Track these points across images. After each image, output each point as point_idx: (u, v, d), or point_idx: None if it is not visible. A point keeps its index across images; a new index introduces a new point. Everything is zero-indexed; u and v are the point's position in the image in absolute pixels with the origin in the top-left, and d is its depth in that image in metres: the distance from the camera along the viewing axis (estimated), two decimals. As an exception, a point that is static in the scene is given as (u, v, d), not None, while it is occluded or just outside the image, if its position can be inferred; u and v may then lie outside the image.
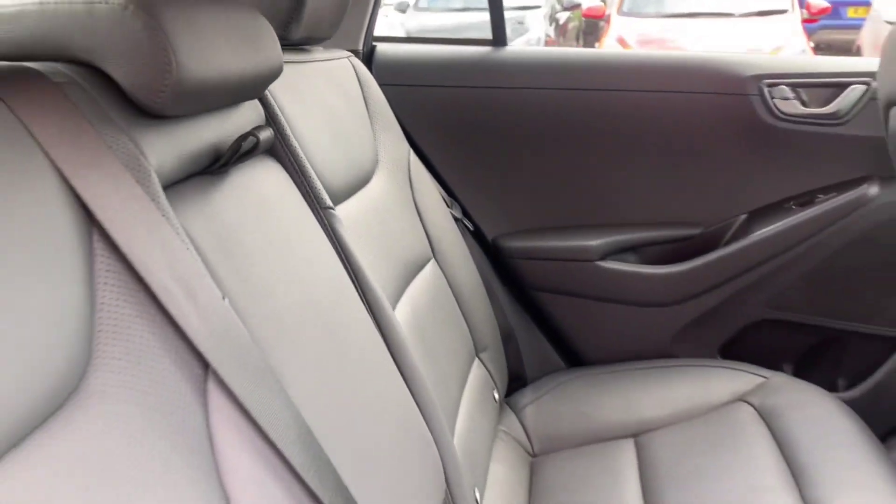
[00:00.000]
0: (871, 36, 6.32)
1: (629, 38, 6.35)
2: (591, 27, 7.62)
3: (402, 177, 1.32)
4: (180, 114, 0.64)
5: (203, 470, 0.54)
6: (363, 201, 1.13)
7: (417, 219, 1.30)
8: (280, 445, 0.58)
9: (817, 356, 1.56)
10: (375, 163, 1.25)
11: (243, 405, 0.57)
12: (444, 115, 1.56)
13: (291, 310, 0.70)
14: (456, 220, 1.46)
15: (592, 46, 7.15)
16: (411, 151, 1.38)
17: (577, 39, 7.93)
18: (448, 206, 1.45)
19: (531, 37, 7.03)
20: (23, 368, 0.44)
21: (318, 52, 1.21)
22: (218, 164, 0.70)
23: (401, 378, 0.89)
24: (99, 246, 0.53)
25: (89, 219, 0.53)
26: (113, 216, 0.53)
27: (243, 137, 0.70)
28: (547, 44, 7.34)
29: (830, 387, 1.46)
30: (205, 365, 0.57)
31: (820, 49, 7.12)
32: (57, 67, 0.58)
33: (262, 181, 0.78)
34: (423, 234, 1.30)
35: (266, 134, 0.75)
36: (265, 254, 0.70)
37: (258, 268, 0.68)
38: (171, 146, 0.64)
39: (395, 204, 1.24)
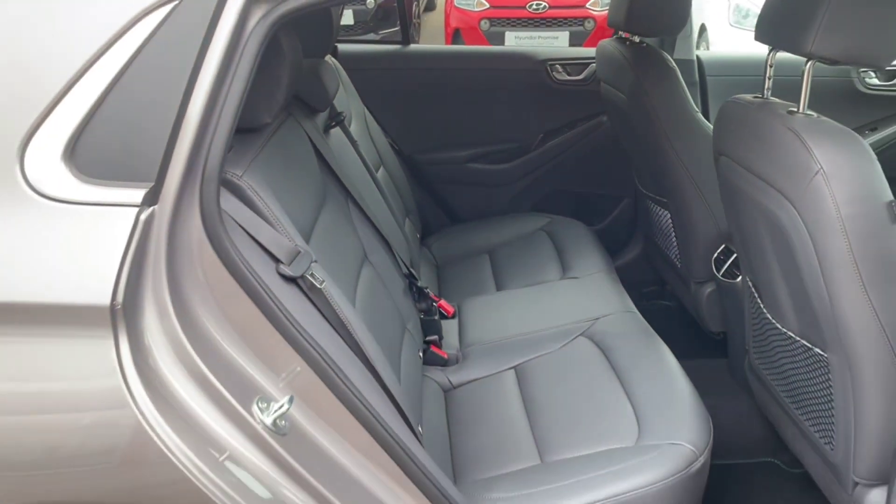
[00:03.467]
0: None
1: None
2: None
3: (362, 123, 2.48)
4: (324, 110, 1.81)
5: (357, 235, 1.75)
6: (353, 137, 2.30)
7: (373, 144, 2.48)
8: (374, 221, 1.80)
9: (582, 206, 2.89)
10: (351, 115, 2.40)
11: (364, 211, 1.77)
12: (379, 85, 2.73)
13: (362, 186, 1.90)
14: (390, 145, 2.66)
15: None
16: (365, 108, 2.55)
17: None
18: (385, 137, 2.64)
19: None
20: (313, 193, 1.61)
21: (321, 60, 2.34)
22: (329, 127, 1.87)
23: (396, 224, 2.10)
24: (319, 161, 1.70)
25: (317, 151, 1.69)
26: (322, 149, 1.70)
27: (339, 115, 1.89)
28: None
29: (588, 223, 2.76)
30: (347, 194, 1.76)
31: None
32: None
33: (339, 132, 1.96)
34: (376, 152, 2.48)
35: (345, 114, 1.93)
36: (351, 162, 1.89)
37: (351, 167, 1.87)
38: (320, 120, 1.81)
39: (362, 138, 2.41)
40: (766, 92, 1.57)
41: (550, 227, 2.60)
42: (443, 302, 2.12)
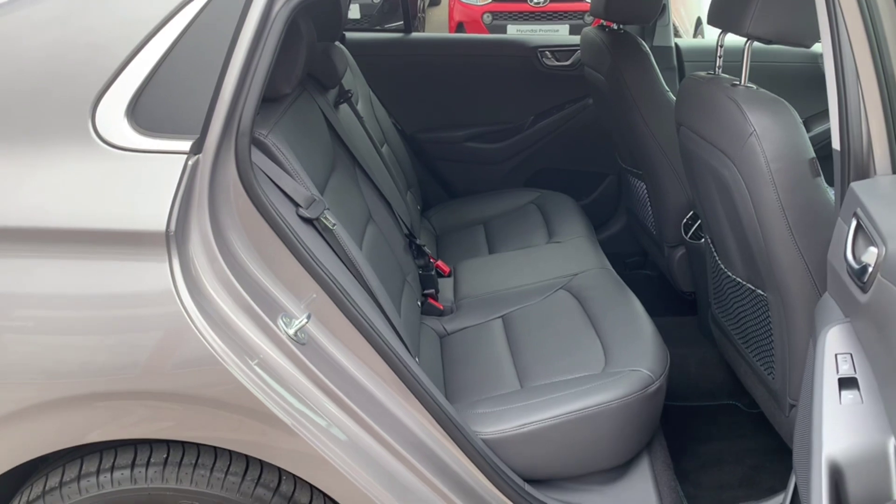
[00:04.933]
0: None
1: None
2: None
3: (368, 104, 2.73)
4: (334, 87, 2.05)
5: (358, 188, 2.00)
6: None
7: (377, 123, 2.72)
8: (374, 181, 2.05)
9: (570, 182, 3.12)
10: (358, 96, 2.65)
11: (369, 176, 2.02)
12: (383, 70, 2.98)
13: (367, 156, 2.15)
14: (393, 125, 2.90)
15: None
16: (370, 90, 2.79)
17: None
18: (389, 118, 2.89)
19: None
20: (325, 157, 1.86)
21: (331, 46, 2.58)
22: (339, 103, 2.11)
23: (398, 191, 2.35)
24: (330, 130, 1.94)
25: (328, 122, 1.94)
26: (332, 121, 1.95)
27: (347, 92, 2.13)
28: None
29: (576, 198, 2.99)
30: (354, 161, 2.01)
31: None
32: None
33: (347, 108, 2.20)
34: (380, 130, 2.72)
35: (353, 93, 2.17)
36: (356, 131, 2.14)
37: (357, 139, 2.12)
38: (330, 96, 2.06)
39: (368, 117, 2.65)
40: (717, 70, 1.80)
41: (540, 201, 2.84)
42: (440, 262, 2.36)
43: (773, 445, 1.97)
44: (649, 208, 2.54)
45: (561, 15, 8.01)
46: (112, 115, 1.25)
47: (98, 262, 1.24)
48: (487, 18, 8.05)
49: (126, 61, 1.26)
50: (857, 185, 1.22)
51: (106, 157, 1.24)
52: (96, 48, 1.27)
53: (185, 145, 1.25)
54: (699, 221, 2.28)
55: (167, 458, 1.35)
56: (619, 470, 1.70)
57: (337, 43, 2.57)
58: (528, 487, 1.58)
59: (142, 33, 1.26)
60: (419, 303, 2.10)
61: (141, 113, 1.25)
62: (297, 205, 1.45)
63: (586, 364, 1.77)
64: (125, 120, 1.25)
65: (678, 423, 2.17)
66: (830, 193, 1.52)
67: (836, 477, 1.04)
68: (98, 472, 1.35)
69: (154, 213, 1.22)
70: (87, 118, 1.25)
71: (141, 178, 1.25)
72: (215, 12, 1.27)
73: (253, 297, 1.30)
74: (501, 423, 1.60)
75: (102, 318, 1.26)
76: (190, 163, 1.25)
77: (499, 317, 2.10)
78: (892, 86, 1.25)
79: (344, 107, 2.23)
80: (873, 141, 1.25)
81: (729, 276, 1.88)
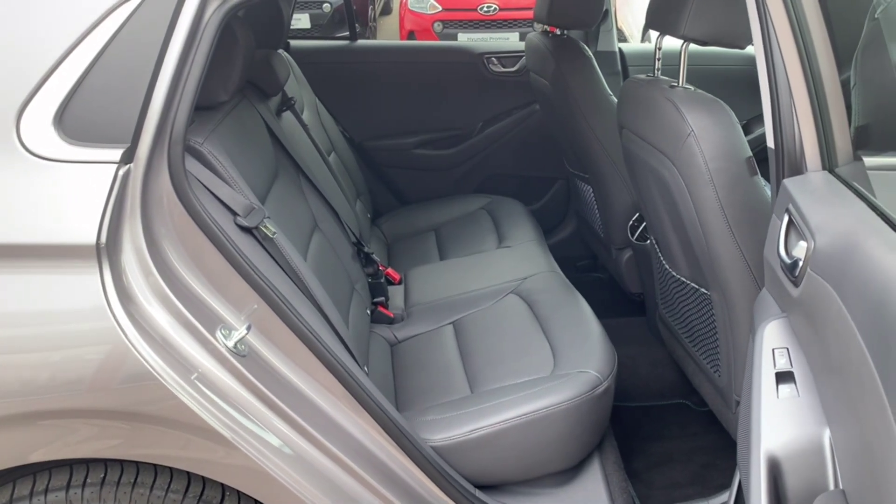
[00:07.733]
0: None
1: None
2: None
3: (314, 111, 2.70)
4: (276, 94, 2.03)
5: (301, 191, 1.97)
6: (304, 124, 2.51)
7: (325, 133, 2.70)
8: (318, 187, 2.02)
9: (519, 188, 3.14)
10: (303, 104, 2.62)
11: (315, 185, 1.99)
12: (329, 77, 2.95)
13: (312, 164, 2.12)
14: (341, 133, 2.88)
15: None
16: (317, 98, 2.77)
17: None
18: (336, 125, 2.86)
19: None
20: (266, 165, 1.83)
21: (275, 54, 2.55)
22: (281, 111, 2.09)
23: (345, 199, 2.32)
24: (272, 139, 1.92)
25: (270, 130, 1.91)
26: (274, 129, 1.92)
27: (290, 100, 2.10)
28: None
29: (526, 203, 3.00)
30: (299, 169, 1.98)
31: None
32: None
33: (291, 116, 2.17)
34: (328, 139, 2.70)
35: (296, 100, 2.15)
36: (300, 139, 2.11)
37: (302, 146, 2.09)
38: (272, 104, 2.03)
39: (314, 126, 2.63)
40: (655, 72, 1.83)
41: (490, 206, 2.84)
42: (390, 270, 2.35)
43: (723, 443, 1.99)
44: (596, 211, 2.57)
45: (511, 23, 8.06)
46: (38, 124, 1.21)
47: (28, 276, 1.19)
48: (438, 27, 8.07)
49: (53, 68, 1.22)
50: (789, 182, 1.24)
51: (32, 167, 1.20)
52: (21, 55, 1.23)
53: (116, 154, 1.21)
54: (644, 223, 2.30)
55: (104, 477, 1.31)
56: (570, 472, 1.70)
57: (280, 50, 2.55)
58: (478, 493, 1.57)
59: (69, 39, 1.23)
60: (369, 311, 2.08)
61: (69, 122, 1.22)
62: (234, 214, 1.42)
63: (535, 367, 1.76)
64: (52, 129, 1.21)
65: (629, 423, 2.19)
66: (769, 191, 1.55)
67: (775, 471, 1.05)
68: (31, 496, 1.30)
69: (83, 226, 1.18)
70: (11, 128, 1.21)
71: (69, 189, 1.21)
72: (145, 17, 1.24)
73: (190, 310, 1.26)
74: (451, 429, 1.58)
75: (36, 336, 1.21)
76: (121, 172, 1.21)
77: (449, 323, 2.09)
78: (821, 86, 1.27)
79: (287, 115, 2.20)
80: (804, 139, 1.27)
81: (674, 276, 1.90)
